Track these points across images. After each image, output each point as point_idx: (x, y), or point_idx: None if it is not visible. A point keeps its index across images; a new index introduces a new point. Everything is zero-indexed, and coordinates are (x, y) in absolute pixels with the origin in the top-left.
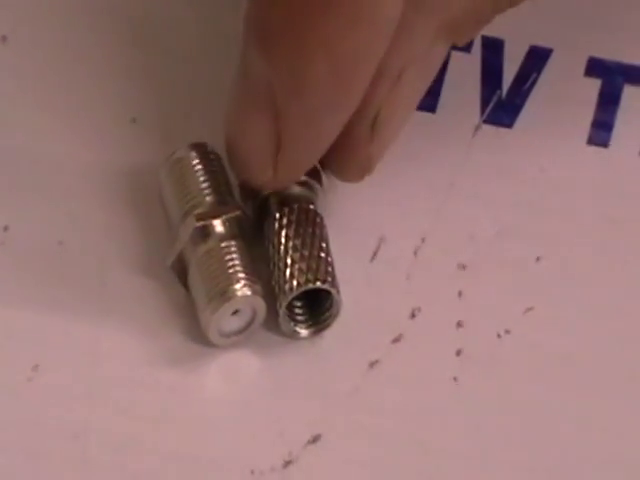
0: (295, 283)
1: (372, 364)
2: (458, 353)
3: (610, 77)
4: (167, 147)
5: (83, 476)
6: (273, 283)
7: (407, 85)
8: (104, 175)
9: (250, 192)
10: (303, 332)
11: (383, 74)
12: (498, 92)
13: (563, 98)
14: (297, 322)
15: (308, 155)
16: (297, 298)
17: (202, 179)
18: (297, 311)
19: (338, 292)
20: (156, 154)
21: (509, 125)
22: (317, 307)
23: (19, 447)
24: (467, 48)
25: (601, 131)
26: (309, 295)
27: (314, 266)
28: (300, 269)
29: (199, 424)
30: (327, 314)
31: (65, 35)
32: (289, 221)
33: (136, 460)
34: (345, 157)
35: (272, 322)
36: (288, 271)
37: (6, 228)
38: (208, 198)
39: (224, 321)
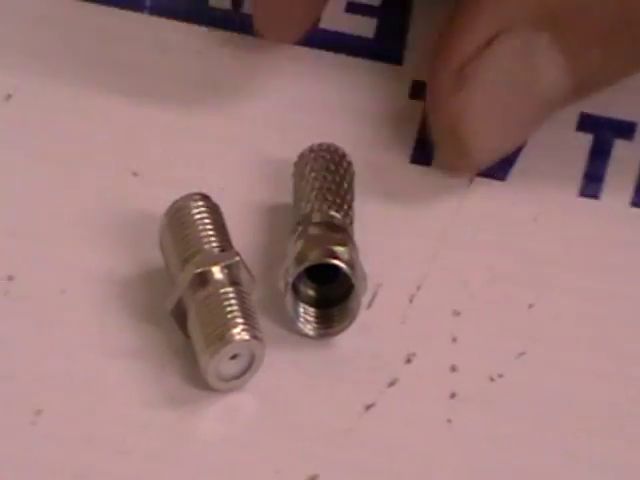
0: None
1: (368, 407)
2: (452, 396)
3: (601, 131)
4: (167, 198)
5: None
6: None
7: (498, 56)
8: (105, 225)
9: None
10: (310, 319)
11: (478, 28)
12: None
13: (555, 152)
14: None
15: None
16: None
17: (201, 227)
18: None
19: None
20: (156, 205)
21: (502, 178)
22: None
23: None
24: None
25: (592, 183)
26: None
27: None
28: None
29: (197, 465)
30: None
31: (68, 90)
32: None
33: None
34: (432, 109)
35: (270, 365)
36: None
37: (10, 278)
38: (207, 246)
39: (223, 365)
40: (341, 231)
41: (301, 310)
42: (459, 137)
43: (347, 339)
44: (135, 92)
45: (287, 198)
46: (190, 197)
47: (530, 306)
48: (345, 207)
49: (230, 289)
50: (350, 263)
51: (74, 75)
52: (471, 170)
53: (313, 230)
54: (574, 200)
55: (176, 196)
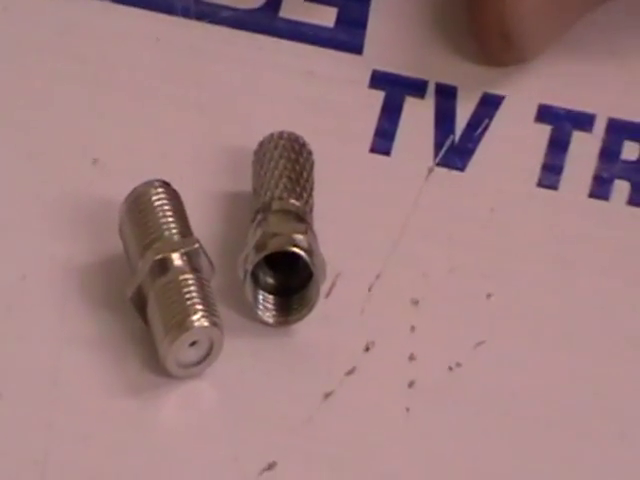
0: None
1: (327, 395)
2: (410, 385)
3: (559, 123)
4: (127, 186)
5: None
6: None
7: None
8: (65, 212)
9: None
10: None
11: None
12: (451, 137)
13: (514, 143)
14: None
15: None
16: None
17: (161, 214)
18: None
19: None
20: (116, 192)
21: (461, 168)
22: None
23: None
24: (421, 94)
25: (551, 174)
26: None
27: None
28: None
29: (156, 452)
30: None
31: (28, 78)
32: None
33: None
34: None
35: (229, 352)
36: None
37: None
38: (167, 233)
39: (182, 352)
40: (300, 219)
41: (260, 298)
42: (507, 25)
43: (306, 327)
44: (94, 80)
45: (247, 186)
46: (150, 184)
47: (488, 296)
48: (305, 196)
49: (190, 276)
50: (309, 251)
51: (34, 63)
52: (516, 61)
53: (273, 218)
54: (532, 191)
55: (136, 183)
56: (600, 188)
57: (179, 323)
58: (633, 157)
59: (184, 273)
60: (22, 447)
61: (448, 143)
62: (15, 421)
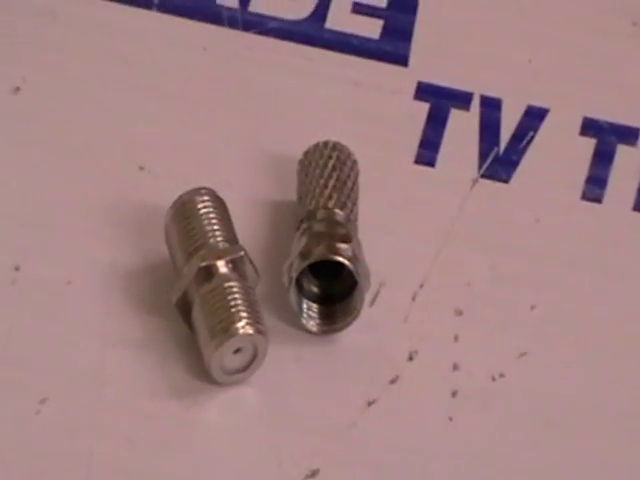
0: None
1: (370, 403)
2: (454, 394)
3: (604, 136)
4: (173, 192)
5: None
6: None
7: None
8: (112, 217)
9: None
10: (314, 315)
11: None
12: (496, 148)
13: (558, 155)
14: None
15: None
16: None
17: (206, 222)
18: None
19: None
20: (162, 199)
21: (506, 180)
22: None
23: (28, 475)
24: (466, 105)
25: (595, 187)
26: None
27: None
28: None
29: (199, 456)
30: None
31: (76, 83)
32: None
33: None
34: None
35: (273, 359)
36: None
37: (17, 268)
38: (212, 240)
39: (226, 358)
40: (345, 228)
41: (305, 306)
42: None
43: (350, 336)
44: (142, 87)
45: (292, 195)
46: (196, 191)
47: (532, 307)
48: (349, 205)
49: (234, 283)
50: (353, 260)
51: (82, 69)
52: None
53: (317, 227)
54: (576, 203)
55: (182, 190)
56: None
57: (224, 329)
58: None
59: (229, 280)
60: (69, 447)
61: (493, 155)
62: (62, 422)
